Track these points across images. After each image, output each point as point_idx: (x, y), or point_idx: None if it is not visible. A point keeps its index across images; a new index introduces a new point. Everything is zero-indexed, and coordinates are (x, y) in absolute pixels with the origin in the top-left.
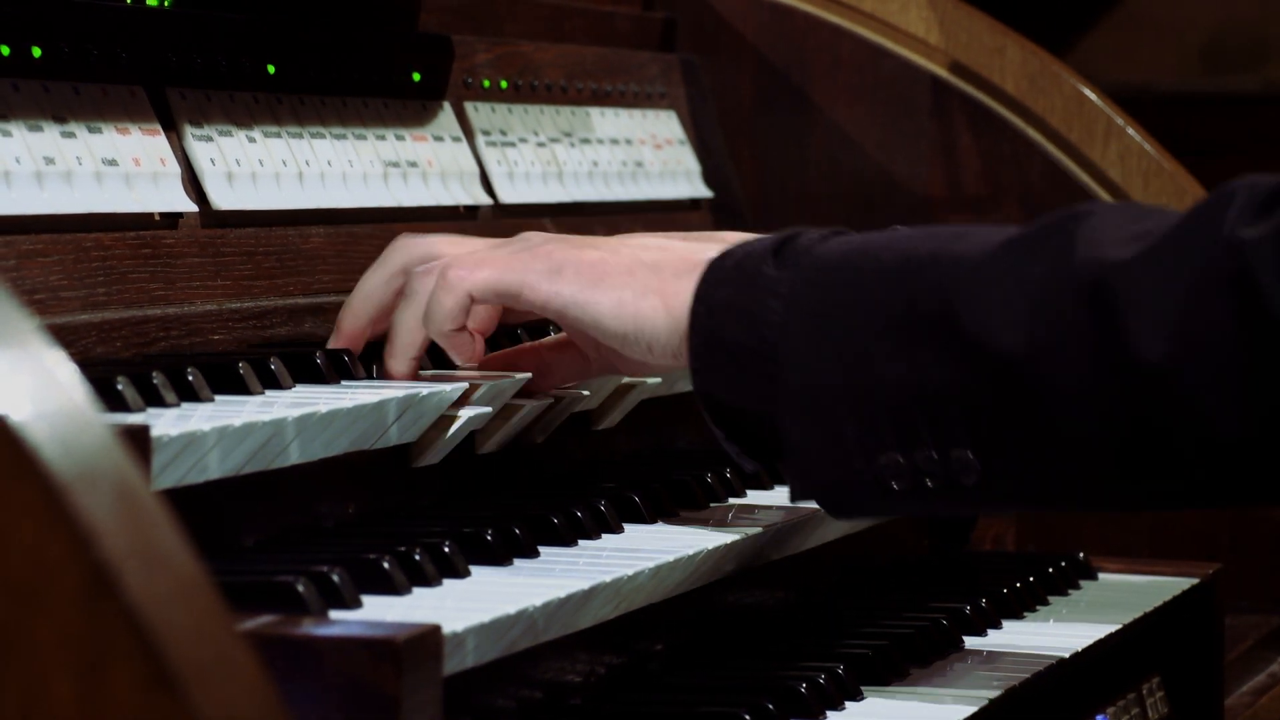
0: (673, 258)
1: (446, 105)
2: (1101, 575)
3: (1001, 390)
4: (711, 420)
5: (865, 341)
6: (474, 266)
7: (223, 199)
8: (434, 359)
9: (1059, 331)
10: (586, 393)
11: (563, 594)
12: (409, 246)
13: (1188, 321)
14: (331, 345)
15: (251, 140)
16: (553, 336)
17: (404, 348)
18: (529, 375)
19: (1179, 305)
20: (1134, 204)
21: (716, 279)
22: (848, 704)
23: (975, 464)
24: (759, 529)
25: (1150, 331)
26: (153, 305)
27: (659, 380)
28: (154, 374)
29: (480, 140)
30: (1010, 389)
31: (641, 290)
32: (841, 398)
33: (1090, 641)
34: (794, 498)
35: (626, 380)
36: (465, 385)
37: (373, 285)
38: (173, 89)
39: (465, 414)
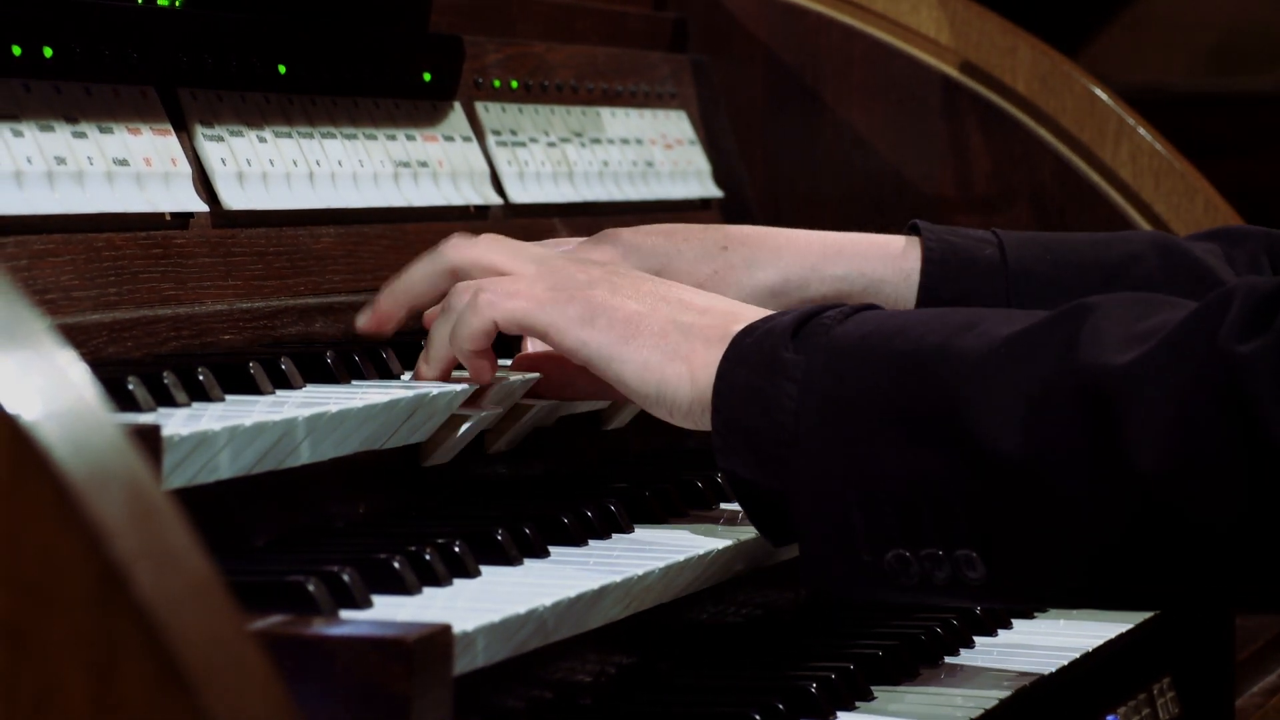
0: (707, 323)
1: (457, 105)
2: None
3: (1002, 492)
4: (736, 495)
5: (873, 434)
6: (507, 296)
7: (234, 199)
8: None
9: (1055, 435)
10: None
11: (573, 594)
12: (462, 248)
13: (1181, 434)
14: (363, 323)
15: (262, 140)
16: None
17: (436, 360)
18: (538, 375)
19: (1172, 417)
20: (1143, 297)
21: (737, 357)
22: (858, 704)
23: (979, 562)
24: None
25: (1147, 443)
26: (164, 305)
27: None
28: (165, 374)
29: (491, 140)
30: (1010, 491)
31: (670, 355)
32: (849, 487)
33: (1101, 641)
34: (805, 585)
35: None
36: (475, 386)
37: (418, 277)
38: (184, 89)
39: (476, 414)
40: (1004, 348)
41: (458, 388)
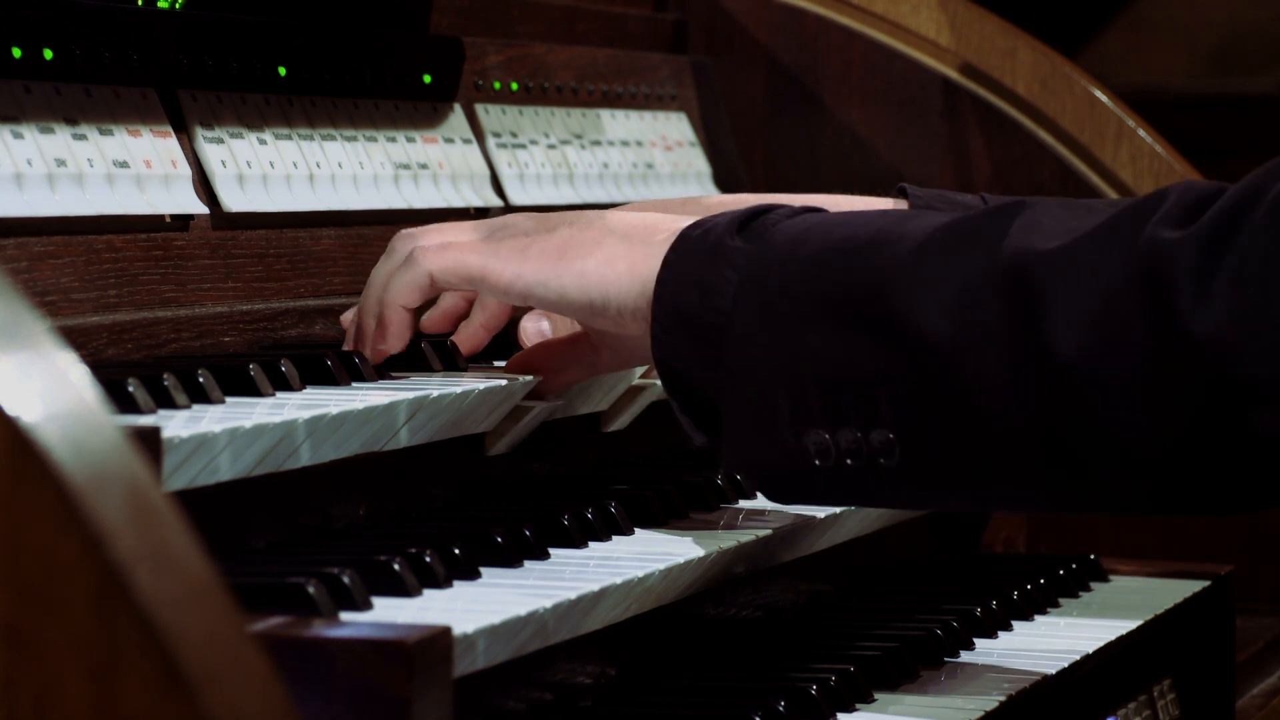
0: (646, 227)
1: (457, 107)
2: (1113, 577)
3: (924, 375)
4: (667, 389)
5: (804, 317)
6: (440, 249)
7: (234, 201)
8: (445, 361)
9: (981, 320)
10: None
11: (573, 595)
12: (410, 237)
13: (1100, 321)
14: (379, 342)
15: (262, 142)
16: (567, 333)
17: (374, 303)
18: (538, 377)
19: (1094, 303)
20: (1085, 202)
21: (684, 248)
22: (858, 706)
23: (894, 445)
24: (769, 530)
25: (1064, 328)
26: (164, 307)
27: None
28: (165, 376)
29: (491, 142)
30: (932, 374)
31: (607, 259)
32: (777, 371)
33: (1101, 643)
34: (726, 469)
35: (637, 382)
36: (478, 386)
37: (377, 280)
38: (184, 91)
39: (539, 405)
40: (938, 234)
41: (459, 389)
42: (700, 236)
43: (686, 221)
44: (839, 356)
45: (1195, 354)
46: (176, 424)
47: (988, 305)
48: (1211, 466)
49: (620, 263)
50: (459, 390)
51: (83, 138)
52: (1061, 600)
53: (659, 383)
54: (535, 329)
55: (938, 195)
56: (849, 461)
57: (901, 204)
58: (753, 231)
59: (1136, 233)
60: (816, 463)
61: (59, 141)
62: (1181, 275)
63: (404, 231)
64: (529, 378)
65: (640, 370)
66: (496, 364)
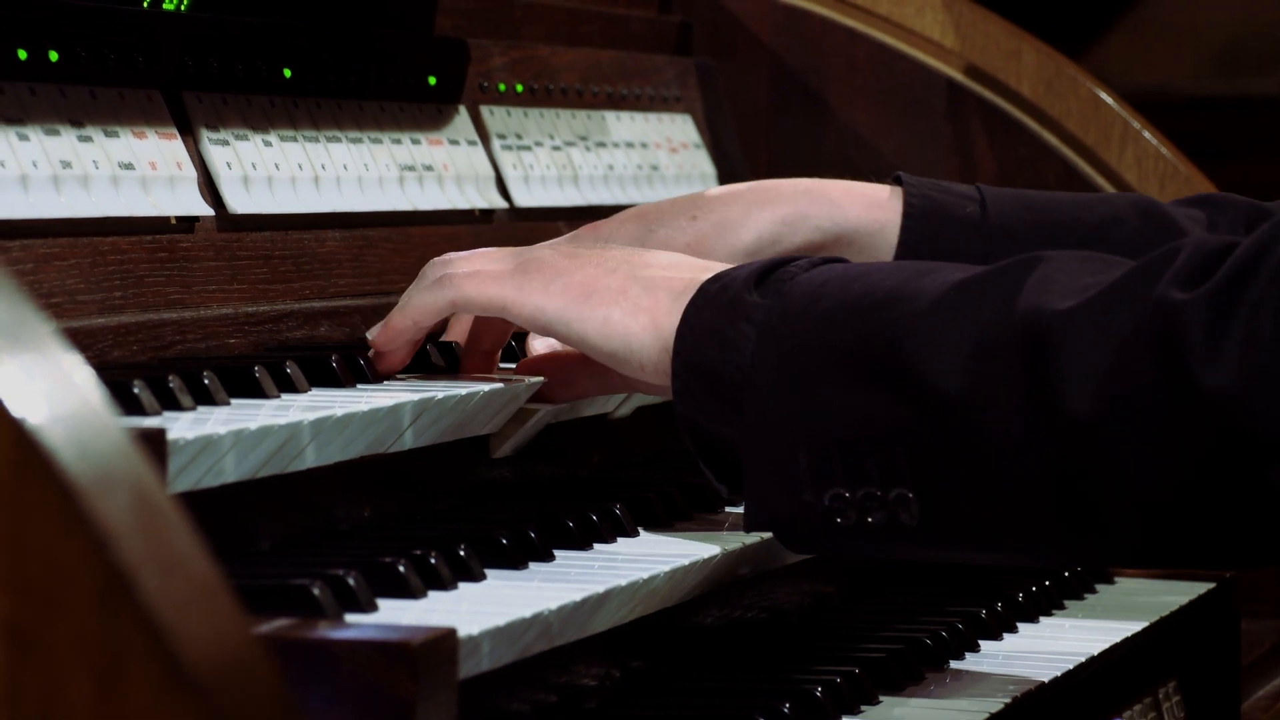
0: (672, 277)
1: (462, 109)
2: (1118, 579)
3: (941, 433)
4: (689, 442)
5: (823, 375)
6: (468, 276)
7: (239, 203)
8: (449, 363)
9: (995, 378)
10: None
11: (578, 597)
12: (443, 263)
13: (1114, 379)
14: (380, 340)
15: (267, 144)
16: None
17: (392, 323)
18: (541, 380)
19: (1107, 362)
20: (1098, 256)
21: (702, 302)
22: (863, 708)
23: (914, 504)
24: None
25: (1078, 384)
26: (169, 309)
27: None
28: (170, 377)
29: (496, 144)
30: (949, 432)
31: (631, 309)
32: (797, 428)
33: (1106, 646)
34: (748, 526)
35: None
36: (483, 388)
37: (431, 308)
38: (189, 93)
39: (543, 408)
40: (953, 292)
41: (463, 391)
42: (719, 291)
43: (717, 269)
44: (857, 414)
45: (1209, 412)
46: (181, 426)
47: (1002, 363)
48: (1227, 521)
49: (643, 315)
50: (464, 392)
51: (88, 139)
52: (1066, 602)
53: None
54: (544, 345)
55: (933, 184)
56: (869, 520)
57: (898, 191)
58: (770, 286)
59: (1148, 291)
60: (838, 520)
61: (64, 143)
62: (1193, 335)
63: (436, 259)
64: (534, 379)
65: None
66: (504, 366)
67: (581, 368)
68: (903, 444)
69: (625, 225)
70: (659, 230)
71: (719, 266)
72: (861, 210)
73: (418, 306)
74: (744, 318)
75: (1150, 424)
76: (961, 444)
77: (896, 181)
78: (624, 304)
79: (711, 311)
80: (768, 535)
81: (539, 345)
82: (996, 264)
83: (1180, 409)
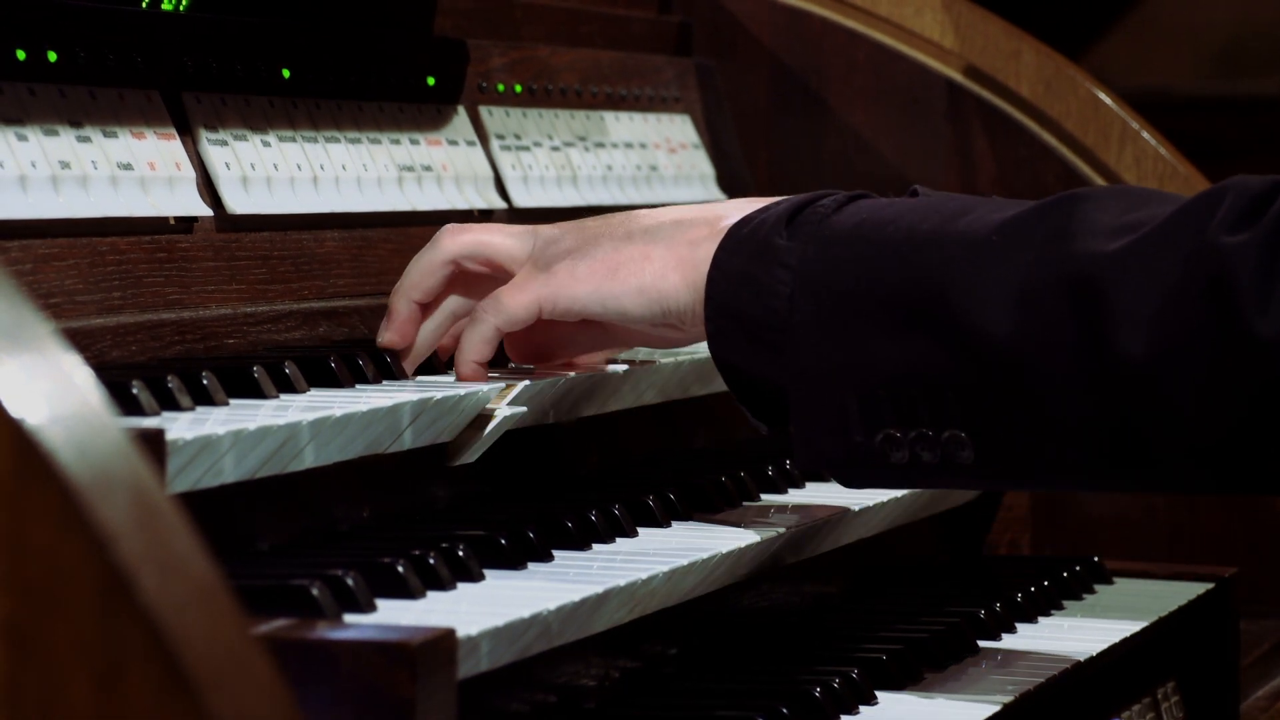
0: (688, 229)
1: (461, 109)
2: (1117, 579)
3: (991, 376)
4: (728, 383)
5: (866, 319)
6: (496, 301)
7: (238, 203)
8: (449, 363)
9: (1044, 322)
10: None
11: (576, 598)
12: (456, 232)
13: (1166, 323)
14: (384, 331)
15: (266, 144)
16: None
17: (408, 287)
18: (525, 383)
19: (1158, 306)
20: (1134, 189)
21: (732, 246)
22: (862, 708)
23: (969, 444)
24: (774, 533)
25: (1130, 330)
26: (168, 309)
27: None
28: (169, 378)
29: (495, 144)
30: (999, 375)
31: (660, 271)
32: (843, 373)
33: (1105, 645)
34: (800, 465)
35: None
36: (482, 389)
37: (421, 271)
38: (188, 93)
39: (505, 411)
40: (995, 235)
41: (462, 391)
42: (749, 234)
43: (718, 215)
44: (904, 359)
45: (1260, 355)
46: (181, 426)
47: (1050, 308)
48: (1274, 455)
49: (673, 274)
50: (463, 393)
51: (87, 140)
52: (1065, 602)
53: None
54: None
55: (950, 196)
56: (924, 458)
57: None
58: (801, 226)
59: (1197, 235)
60: (891, 459)
61: (63, 144)
62: (1244, 280)
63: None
64: (525, 382)
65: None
66: (512, 366)
67: (581, 328)
68: (953, 388)
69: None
70: None
71: (726, 209)
72: None
73: (467, 349)
74: (778, 262)
75: (1202, 367)
76: (1013, 388)
77: (913, 194)
78: (650, 268)
79: (743, 256)
80: (768, 537)
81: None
82: (1038, 203)
83: (1231, 353)
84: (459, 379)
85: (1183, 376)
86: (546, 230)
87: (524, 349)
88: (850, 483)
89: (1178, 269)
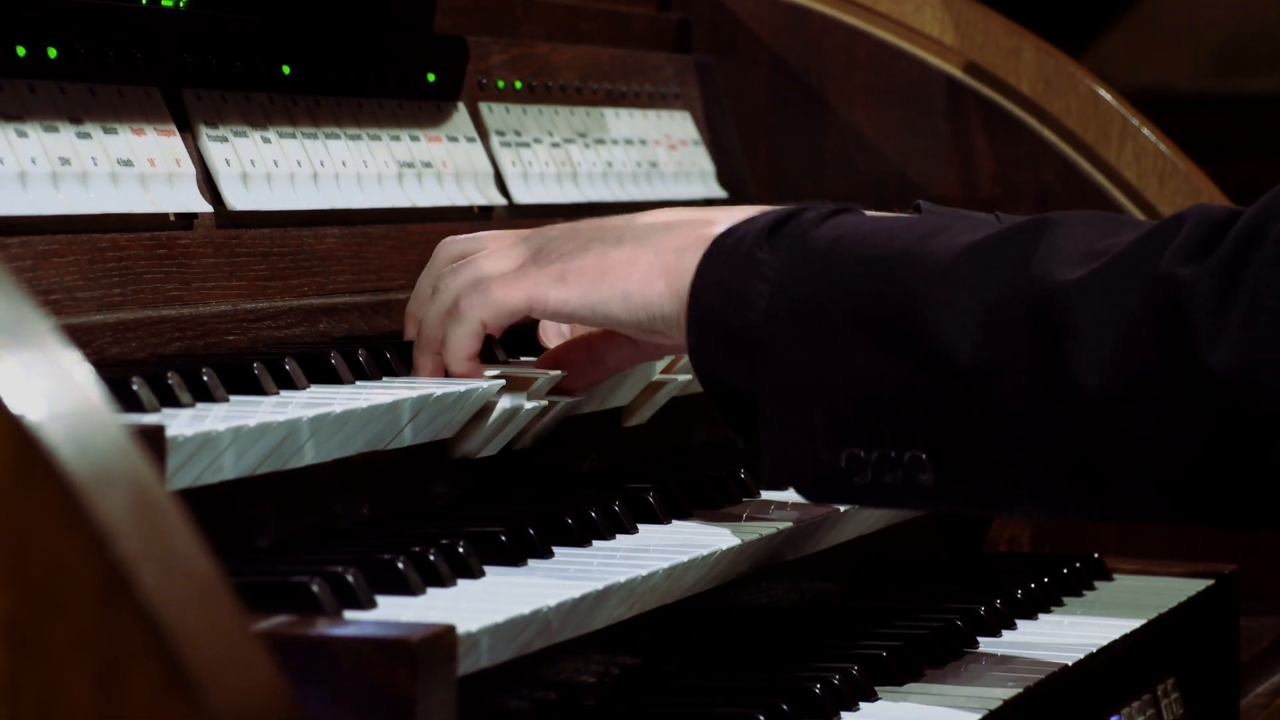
0: (677, 235)
1: (461, 106)
2: (1117, 576)
3: (953, 397)
4: (709, 394)
5: (838, 336)
6: (482, 293)
7: (238, 200)
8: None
9: (1007, 346)
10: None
11: (576, 594)
12: (454, 245)
13: (1121, 354)
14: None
15: (266, 141)
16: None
17: (428, 342)
18: (560, 373)
19: (1115, 337)
20: (1107, 216)
21: (716, 256)
22: (862, 705)
23: (929, 465)
24: (774, 529)
25: (1087, 360)
26: (168, 306)
27: (689, 378)
28: (169, 374)
29: (495, 141)
30: (961, 397)
31: (645, 277)
32: (813, 388)
33: (1105, 642)
34: (767, 480)
35: (656, 378)
36: (481, 385)
37: (422, 287)
38: (188, 90)
39: (515, 402)
40: (965, 255)
41: (461, 388)
42: (732, 246)
43: (708, 221)
44: (871, 375)
45: (1213, 388)
46: (180, 423)
47: (1013, 332)
48: (1231, 488)
49: (658, 281)
50: (462, 389)
51: (87, 136)
52: (1065, 599)
53: (678, 378)
54: (555, 330)
55: (951, 212)
56: (886, 479)
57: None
58: (782, 239)
59: (1153, 265)
60: (854, 479)
61: (63, 140)
62: (1196, 311)
63: (451, 265)
64: (553, 373)
65: (660, 365)
66: (525, 359)
67: (607, 344)
68: (917, 407)
69: None
70: None
71: (718, 216)
72: None
73: (457, 344)
74: (757, 274)
75: (1157, 399)
76: (973, 409)
77: (916, 209)
78: (636, 274)
79: (725, 267)
80: (768, 533)
81: (552, 335)
82: (1009, 225)
83: (1186, 386)
84: (452, 376)
85: (1138, 408)
86: (550, 229)
87: (547, 363)
88: (815, 499)
89: (1133, 299)
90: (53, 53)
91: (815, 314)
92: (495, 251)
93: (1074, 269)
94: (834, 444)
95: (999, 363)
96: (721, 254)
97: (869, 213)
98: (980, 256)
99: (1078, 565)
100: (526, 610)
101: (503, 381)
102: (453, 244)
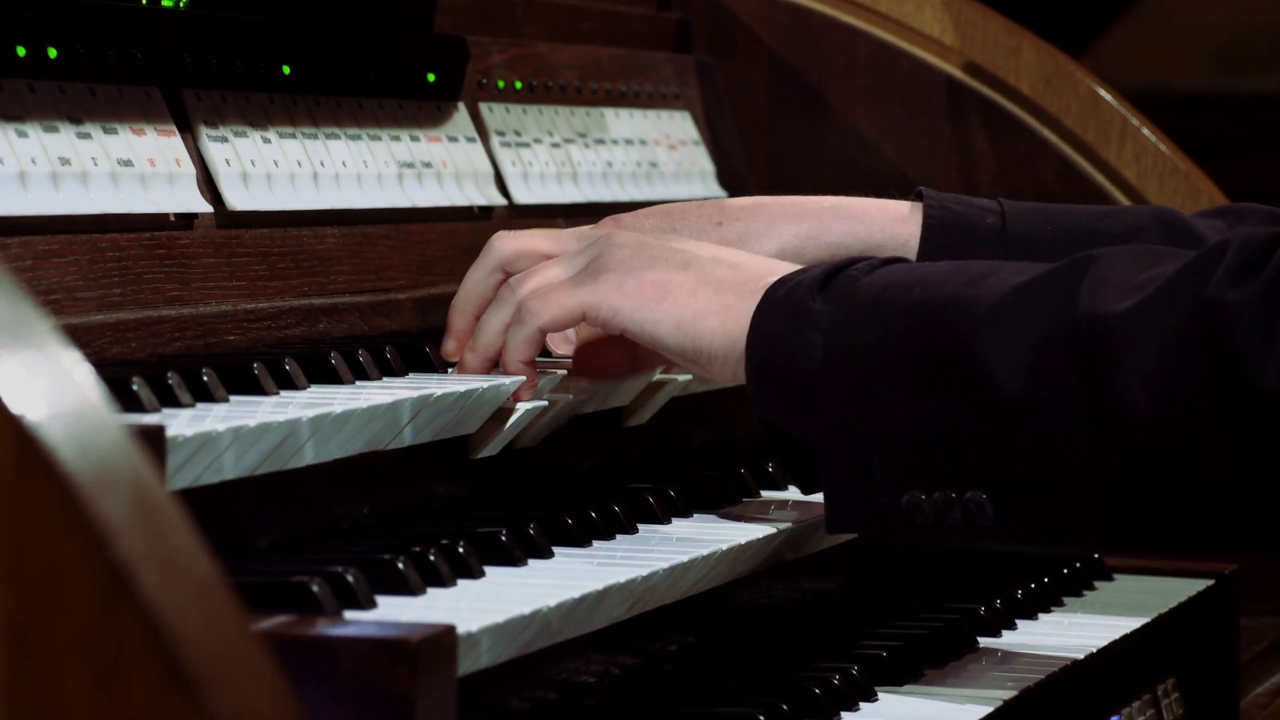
0: (739, 277)
1: (461, 106)
2: (1117, 576)
3: (1007, 436)
4: (770, 443)
5: (891, 380)
6: (542, 298)
7: (238, 200)
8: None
9: (1056, 381)
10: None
11: (576, 594)
12: (506, 240)
13: (1169, 379)
14: (447, 340)
15: (266, 141)
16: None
17: (484, 348)
18: (562, 373)
19: (1162, 363)
20: (1148, 249)
21: (769, 307)
22: (862, 705)
23: (988, 503)
24: (774, 529)
25: (1136, 386)
26: (168, 306)
27: (689, 378)
28: (169, 374)
29: (495, 141)
30: (1015, 435)
31: (701, 311)
32: (869, 433)
33: (1105, 642)
34: (831, 528)
35: (656, 378)
36: (481, 385)
37: (473, 283)
38: (188, 90)
39: (526, 406)
40: (1011, 296)
41: (461, 387)
42: (785, 296)
43: (778, 269)
44: (926, 417)
45: (1263, 412)
46: (180, 423)
47: (1062, 366)
48: (1278, 511)
49: (713, 317)
50: (462, 389)
51: (87, 136)
52: (1066, 599)
53: (673, 379)
54: (561, 335)
55: (953, 198)
56: (948, 520)
57: (918, 206)
58: (833, 291)
59: (1200, 291)
60: (916, 521)
61: (63, 140)
62: (1244, 335)
63: (517, 275)
64: (559, 372)
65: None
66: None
67: (614, 349)
68: (972, 445)
69: (650, 220)
70: (683, 232)
71: (781, 266)
72: (884, 226)
73: (516, 349)
74: (810, 325)
75: (1206, 423)
76: (1026, 446)
77: (919, 197)
78: (694, 305)
79: (778, 317)
80: (768, 534)
81: (558, 340)
82: (1053, 266)
83: (1235, 409)
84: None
85: (1187, 433)
86: (615, 235)
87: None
88: (880, 540)
89: (1181, 325)
90: (53, 53)
91: (867, 360)
92: (557, 261)
93: (1120, 301)
94: (893, 488)
95: (1050, 395)
96: (774, 303)
97: (914, 265)
98: (1027, 295)
99: (1078, 565)
100: (526, 610)
101: (503, 381)
102: (506, 240)
